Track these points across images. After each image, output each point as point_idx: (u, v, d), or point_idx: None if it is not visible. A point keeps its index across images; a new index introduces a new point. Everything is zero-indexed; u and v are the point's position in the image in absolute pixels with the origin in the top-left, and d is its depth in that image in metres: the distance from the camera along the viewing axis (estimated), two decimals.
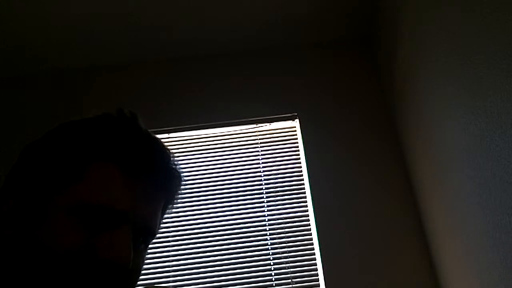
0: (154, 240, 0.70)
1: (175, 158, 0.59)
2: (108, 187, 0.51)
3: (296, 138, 2.09)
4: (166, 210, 0.60)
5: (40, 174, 0.52)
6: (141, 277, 0.56)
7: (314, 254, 1.84)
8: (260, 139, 2.09)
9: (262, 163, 2.03)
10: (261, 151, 2.06)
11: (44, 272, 0.46)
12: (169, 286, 1.78)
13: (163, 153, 0.58)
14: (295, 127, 2.11)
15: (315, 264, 1.83)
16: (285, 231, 1.89)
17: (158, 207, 0.57)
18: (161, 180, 0.57)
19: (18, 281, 0.47)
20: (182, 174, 0.60)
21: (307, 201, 1.94)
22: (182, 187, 0.61)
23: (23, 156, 0.55)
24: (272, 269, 1.82)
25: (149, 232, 0.55)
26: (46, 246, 0.47)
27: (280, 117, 2.10)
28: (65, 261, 0.46)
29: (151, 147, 0.57)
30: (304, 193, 1.96)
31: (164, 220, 0.62)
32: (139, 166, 0.53)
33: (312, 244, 1.86)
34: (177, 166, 0.59)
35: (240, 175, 2.01)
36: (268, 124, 2.10)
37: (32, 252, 0.47)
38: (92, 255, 0.47)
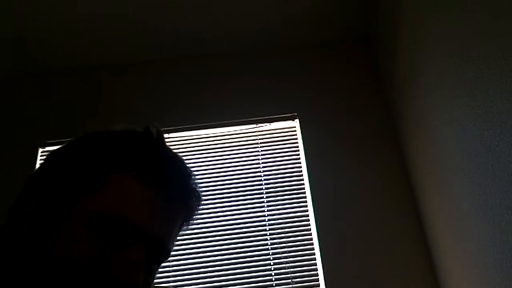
0: None
1: (196, 178, 0.59)
2: (127, 200, 0.50)
3: (296, 138, 2.09)
4: (181, 229, 0.60)
5: (61, 181, 0.51)
6: None
7: (314, 254, 1.84)
8: (260, 139, 2.09)
9: (262, 163, 2.03)
10: (261, 151, 2.06)
11: (53, 279, 0.46)
12: (169, 286, 1.78)
13: (185, 172, 0.57)
14: (295, 127, 2.11)
15: (315, 264, 1.82)
16: (285, 231, 1.89)
17: (175, 226, 0.56)
18: (181, 199, 0.56)
19: (28, 284, 0.47)
20: (202, 195, 0.60)
21: (307, 201, 1.94)
22: (200, 208, 0.60)
23: (47, 161, 0.55)
24: (272, 269, 1.82)
25: (163, 252, 0.54)
26: (59, 254, 0.47)
27: (280, 117, 2.10)
28: (75, 272, 0.46)
29: (174, 164, 0.56)
30: (304, 193, 1.96)
31: None
32: (161, 182, 0.52)
33: (312, 244, 1.86)
34: (198, 186, 0.59)
35: (240, 175, 2.01)
36: (268, 124, 2.10)
37: (45, 258, 0.47)
38: (103, 270, 0.47)
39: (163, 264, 1.95)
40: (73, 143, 0.56)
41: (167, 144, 0.58)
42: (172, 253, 1.95)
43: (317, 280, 1.79)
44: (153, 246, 0.51)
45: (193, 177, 0.58)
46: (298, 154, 2.05)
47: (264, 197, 1.96)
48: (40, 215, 0.50)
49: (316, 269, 1.81)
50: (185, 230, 0.61)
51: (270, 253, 1.85)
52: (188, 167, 0.58)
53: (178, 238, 1.97)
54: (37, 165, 1.98)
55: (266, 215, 1.93)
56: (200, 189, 0.59)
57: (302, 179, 2.00)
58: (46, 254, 0.47)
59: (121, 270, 0.47)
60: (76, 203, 0.49)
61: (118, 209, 0.49)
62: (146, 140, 0.56)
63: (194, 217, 0.60)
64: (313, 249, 1.85)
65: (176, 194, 0.55)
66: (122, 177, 0.51)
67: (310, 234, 1.88)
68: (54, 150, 0.56)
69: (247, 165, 2.03)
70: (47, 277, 0.46)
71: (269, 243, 1.87)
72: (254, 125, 2.10)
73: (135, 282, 0.48)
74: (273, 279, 1.80)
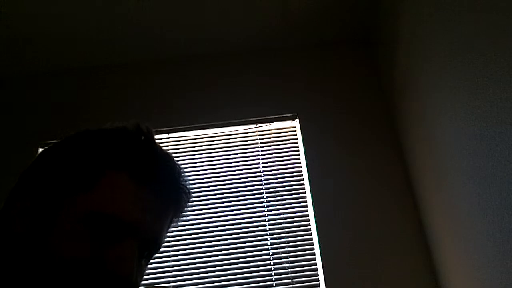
0: None
1: (186, 175, 0.61)
2: (119, 197, 0.51)
3: (296, 138, 2.09)
4: (171, 224, 0.61)
5: (54, 179, 0.52)
6: None
7: (314, 254, 1.84)
8: (260, 139, 2.09)
9: (262, 163, 2.03)
10: (261, 151, 2.06)
11: (49, 278, 0.47)
12: (169, 286, 1.78)
13: (174, 169, 0.59)
14: (295, 127, 2.11)
15: (315, 264, 1.83)
16: (285, 231, 1.89)
17: (165, 222, 0.57)
18: (171, 195, 0.57)
19: (22, 283, 0.48)
20: (191, 191, 0.61)
21: (307, 201, 1.94)
22: (189, 203, 0.62)
23: (40, 158, 0.56)
24: (272, 269, 1.82)
25: (154, 246, 0.56)
26: (53, 252, 0.47)
27: (280, 117, 2.10)
28: (71, 269, 0.47)
29: (164, 162, 0.58)
30: (304, 193, 1.96)
31: None
32: (151, 179, 0.54)
33: (312, 244, 1.86)
34: (187, 183, 0.60)
35: (240, 175, 2.01)
36: (268, 124, 2.10)
37: (39, 256, 0.48)
38: (98, 264, 0.48)
39: (163, 264, 1.95)
40: (65, 141, 0.57)
41: (159, 142, 0.60)
42: (173, 253, 1.94)
43: (317, 280, 1.79)
44: (145, 241, 0.53)
45: (182, 174, 0.60)
46: (298, 154, 2.05)
47: (264, 197, 1.96)
48: (33, 212, 0.50)
49: (316, 269, 1.81)
50: (175, 225, 0.63)
51: (270, 253, 1.85)
52: (177, 164, 0.60)
53: (179, 238, 1.96)
54: None
55: (266, 215, 1.93)
56: (189, 186, 0.61)
57: (302, 179, 2.00)
58: (41, 251, 0.48)
59: (115, 264, 0.49)
60: (69, 201, 0.50)
61: (111, 207, 0.50)
62: (136, 138, 0.57)
63: (184, 212, 0.62)
64: (313, 249, 1.85)
65: (166, 191, 0.56)
66: (113, 176, 0.52)
67: (310, 234, 1.88)
68: (47, 148, 0.57)
69: (247, 165, 2.03)
70: (43, 273, 0.47)
71: (269, 243, 1.87)
72: (254, 125, 2.10)
73: (129, 275, 0.49)
74: (273, 279, 1.80)
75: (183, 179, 0.59)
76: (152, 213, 0.54)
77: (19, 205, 0.51)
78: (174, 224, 0.62)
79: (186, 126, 2.09)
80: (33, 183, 0.53)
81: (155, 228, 0.54)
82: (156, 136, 0.60)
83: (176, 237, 1.89)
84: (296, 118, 2.10)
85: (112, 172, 0.52)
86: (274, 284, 1.79)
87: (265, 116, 2.10)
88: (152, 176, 0.54)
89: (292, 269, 1.81)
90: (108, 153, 0.54)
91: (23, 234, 0.49)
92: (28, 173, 0.55)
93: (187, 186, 0.60)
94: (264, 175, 2.01)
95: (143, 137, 0.57)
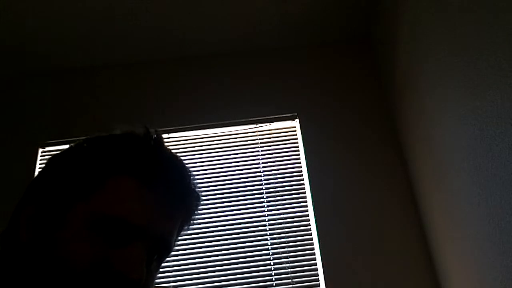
0: None
1: (195, 179, 0.60)
2: (126, 200, 0.51)
3: (296, 138, 2.09)
4: (182, 229, 0.61)
5: (61, 184, 0.52)
6: None
7: (314, 254, 1.84)
8: (260, 139, 2.09)
9: (262, 163, 2.03)
10: (261, 151, 2.06)
11: (57, 281, 0.47)
12: (169, 286, 1.78)
13: (183, 173, 0.58)
14: (295, 127, 2.11)
15: (315, 264, 1.83)
16: (285, 231, 1.89)
17: (175, 225, 0.57)
18: (179, 198, 0.57)
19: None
20: (201, 196, 0.60)
21: (307, 201, 1.94)
22: (200, 208, 0.61)
23: (47, 165, 0.56)
24: (272, 269, 1.82)
25: (164, 249, 0.55)
26: (61, 255, 0.47)
27: (280, 117, 2.10)
28: (78, 273, 0.46)
29: (172, 165, 0.57)
30: (304, 193, 1.96)
31: None
32: (158, 183, 0.53)
33: (312, 244, 1.86)
34: (197, 187, 0.59)
35: (240, 175, 2.01)
36: (268, 124, 2.10)
37: (46, 260, 0.47)
38: (107, 267, 0.47)
39: (163, 264, 1.94)
40: (73, 147, 0.57)
41: (166, 145, 0.59)
42: (173, 253, 1.94)
43: (317, 280, 1.79)
44: (153, 243, 0.52)
45: (192, 178, 0.59)
46: (298, 154, 2.05)
47: (264, 197, 1.96)
48: (39, 218, 0.50)
49: (316, 269, 1.81)
50: (186, 230, 0.62)
51: (270, 253, 1.85)
52: (187, 168, 0.59)
53: (179, 238, 1.96)
54: (37, 165, 1.98)
55: (266, 215, 1.93)
56: (199, 190, 0.60)
57: (302, 179, 2.00)
58: (47, 257, 0.47)
59: (124, 266, 0.48)
60: (75, 206, 0.50)
61: (118, 209, 0.50)
62: (144, 143, 0.56)
63: (194, 217, 0.61)
64: (313, 249, 1.85)
65: (174, 195, 0.55)
66: (121, 180, 0.52)
67: (310, 234, 1.88)
68: (55, 155, 0.57)
69: (247, 165, 2.03)
70: (50, 278, 0.47)
71: (269, 243, 1.87)
72: (254, 125, 2.10)
73: (139, 277, 0.49)
74: (273, 279, 1.80)
75: (193, 183, 0.59)
76: (161, 216, 0.53)
77: (25, 213, 0.51)
78: (186, 229, 0.61)
79: (186, 126, 2.09)
80: (39, 191, 0.53)
81: (164, 231, 0.54)
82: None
83: None
84: (296, 118, 2.10)
85: (118, 176, 0.52)
86: (274, 284, 1.79)
87: (265, 116, 2.10)
88: (159, 180, 0.54)
89: (292, 269, 1.81)
90: (115, 157, 0.53)
91: (29, 240, 0.49)
92: (35, 181, 0.55)
93: (197, 190, 0.59)
94: (264, 175, 2.01)
95: (152, 142, 0.57)
